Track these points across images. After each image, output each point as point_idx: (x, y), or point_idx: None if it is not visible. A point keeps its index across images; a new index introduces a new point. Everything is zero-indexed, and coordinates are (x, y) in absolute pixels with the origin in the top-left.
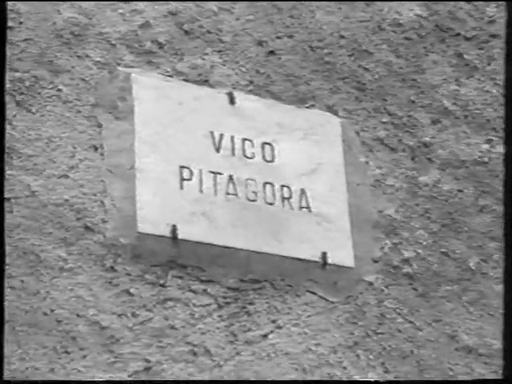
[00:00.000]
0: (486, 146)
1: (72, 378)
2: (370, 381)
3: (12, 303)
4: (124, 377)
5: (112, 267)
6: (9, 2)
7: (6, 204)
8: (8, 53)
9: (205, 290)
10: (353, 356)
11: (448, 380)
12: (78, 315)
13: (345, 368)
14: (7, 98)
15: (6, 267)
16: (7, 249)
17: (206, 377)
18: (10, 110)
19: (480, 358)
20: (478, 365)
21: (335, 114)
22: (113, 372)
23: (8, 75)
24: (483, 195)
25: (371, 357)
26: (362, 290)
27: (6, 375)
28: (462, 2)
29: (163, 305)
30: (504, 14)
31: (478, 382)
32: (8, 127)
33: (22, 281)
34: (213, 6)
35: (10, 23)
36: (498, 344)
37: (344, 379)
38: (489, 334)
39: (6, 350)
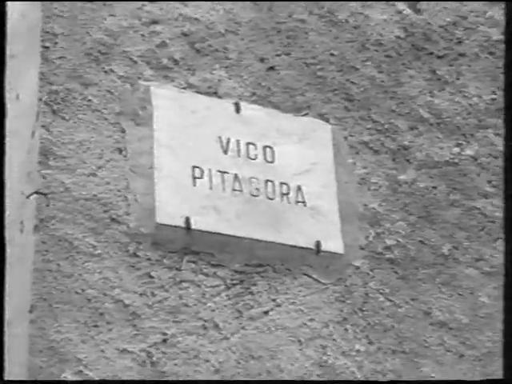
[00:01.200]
0: (456, 149)
1: (103, 348)
2: (371, 381)
3: (50, 284)
4: (144, 347)
5: (134, 253)
6: (45, 25)
7: (44, 199)
8: (45, 69)
9: (214, 273)
10: (342, 330)
11: (448, 380)
12: (105, 294)
13: (335, 340)
14: (44, 108)
15: (44, 253)
16: (45, 237)
17: (214, 348)
18: (47, 117)
19: (450, 331)
20: (448, 337)
21: (327, 121)
22: (135, 343)
23: (45, 88)
24: (454, 191)
25: (357, 330)
26: (350, 273)
27: (44, 345)
28: (435, 25)
29: (178, 286)
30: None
31: (478, 382)
32: (45, 132)
33: (58, 264)
34: (221, 28)
35: (46, 43)
36: (465, 319)
37: (334, 349)
38: (458, 310)
39: (45, 324)
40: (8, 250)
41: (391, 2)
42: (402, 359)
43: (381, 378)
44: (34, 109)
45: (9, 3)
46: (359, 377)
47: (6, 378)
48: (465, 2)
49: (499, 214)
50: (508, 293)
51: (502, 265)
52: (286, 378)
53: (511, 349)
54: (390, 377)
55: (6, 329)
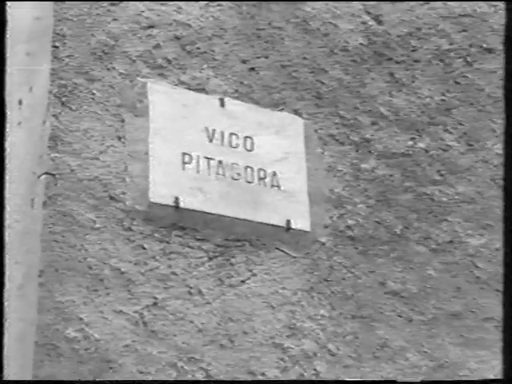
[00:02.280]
0: (410, 142)
1: (101, 309)
2: (373, 381)
3: (56, 253)
4: (137, 309)
5: (129, 227)
6: (56, 28)
7: (52, 178)
8: (55, 66)
9: (199, 246)
10: (309, 297)
11: (448, 380)
12: (103, 263)
13: (302, 306)
14: (54, 100)
15: (51, 226)
16: (53, 212)
17: (198, 311)
18: (56, 108)
19: (402, 299)
20: (400, 304)
21: (299, 116)
22: (129, 306)
23: (55, 82)
24: (407, 179)
25: (322, 298)
26: (316, 248)
27: (51, 306)
28: (394, 35)
29: (168, 256)
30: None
31: (478, 382)
32: (54, 121)
33: (63, 236)
34: (209, 33)
35: (57, 43)
36: (415, 289)
37: (302, 314)
38: (409, 281)
39: (52, 288)
40: (20, 222)
41: (357, 14)
42: (360, 323)
43: (341, 341)
44: (45, 100)
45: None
46: (322, 338)
47: (5, 379)
48: (420, 16)
49: (445, 198)
50: (507, 291)
51: (447, 243)
52: (260, 338)
53: (511, 348)
54: (349, 339)
55: (17, 292)
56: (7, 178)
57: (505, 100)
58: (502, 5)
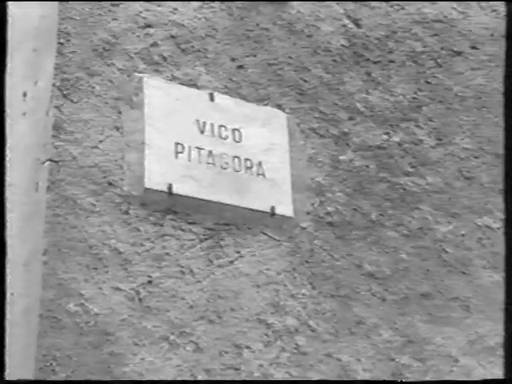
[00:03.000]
0: (385, 136)
1: (100, 286)
2: (372, 381)
3: (58, 233)
4: (133, 287)
5: (126, 211)
6: (60, 26)
7: (55, 165)
8: (59, 61)
9: (190, 229)
10: (292, 277)
11: (448, 380)
12: (103, 243)
13: (285, 285)
14: (57, 92)
15: (54, 209)
16: (55, 196)
17: (189, 289)
18: (59, 100)
19: (376, 280)
20: (375, 285)
21: (283, 110)
22: (126, 283)
23: (59, 76)
24: (382, 170)
25: (303, 278)
26: (298, 233)
27: (53, 282)
28: (372, 37)
29: (162, 238)
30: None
31: (478, 382)
32: (57, 112)
33: (65, 218)
34: (202, 33)
35: (61, 40)
36: (388, 271)
37: (284, 293)
38: (383, 264)
39: (55, 266)
40: (26, 205)
41: (338, 18)
42: (337, 302)
43: (320, 318)
44: (49, 92)
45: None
46: (303, 315)
47: (6, 379)
48: (396, 20)
49: (416, 188)
50: (508, 290)
51: (417, 229)
52: (246, 315)
53: (511, 348)
54: (328, 316)
55: (23, 270)
56: (14, 164)
57: (505, 100)
58: (470, 11)
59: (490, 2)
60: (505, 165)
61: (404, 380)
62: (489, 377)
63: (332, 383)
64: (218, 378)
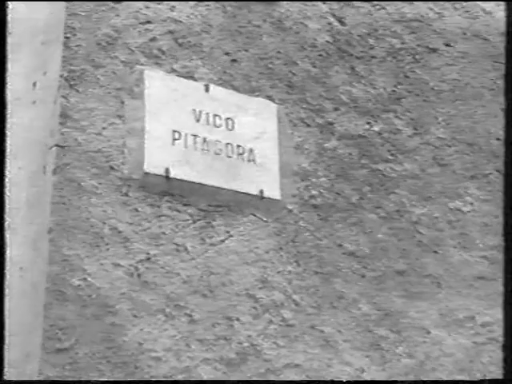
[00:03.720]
0: (366, 126)
1: (102, 262)
2: (373, 381)
3: (63, 213)
4: (132, 263)
5: (126, 193)
6: (67, 21)
7: (61, 150)
8: (66, 53)
9: (185, 211)
10: (278, 255)
11: (448, 380)
12: (104, 223)
13: (273, 263)
14: (64, 83)
15: (60, 190)
16: (61, 179)
17: (184, 265)
18: (66, 90)
19: (356, 258)
20: (355, 263)
21: (273, 101)
22: (126, 260)
23: (66, 68)
24: (363, 157)
25: (289, 256)
26: (285, 214)
27: (59, 258)
28: (355, 34)
29: (158, 218)
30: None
31: (478, 382)
32: (64, 101)
33: (70, 199)
34: (198, 29)
35: (68, 35)
36: (367, 250)
37: (272, 269)
38: (362, 243)
39: (60, 243)
40: (34, 186)
41: (324, 16)
42: (320, 278)
43: (304, 293)
44: (56, 83)
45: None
46: (289, 290)
47: (6, 379)
48: (377, 19)
49: (394, 174)
50: (507, 293)
51: (394, 212)
52: (236, 289)
53: (511, 349)
54: (311, 291)
55: (31, 246)
56: (24, 149)
57: (505, 100)
58: (445, 12)
59: (464, 3)
60: (505, 165)
61: (404, 380)
62: (456, 347)
63: (332, 383)
64: (211, 347)
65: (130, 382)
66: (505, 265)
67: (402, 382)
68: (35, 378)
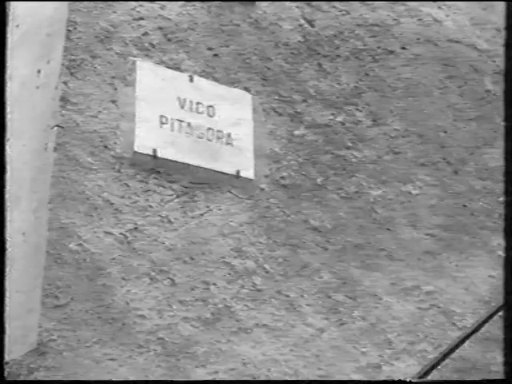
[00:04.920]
0: (331, 117)
1: (95, 230)
2: (372, 381)
3: (62, 186)
4: (122, 232)
5: (118, 170)
6: (70, 16)
7: (61, 130)
8: (68, 45)
9: (170, 187)
10: (251, 229)
11: (448, 380)
12: (98, 196)
13: (246, 235)
14: (65, 70)
15: (59, 166)
16: (61, 156)
17: (168, 235)
18: (66, 77)
19: (320, 233)
20: (318, 237)
21: (249, 92)
22: (117, 229)
23: (67, 57)
24: (328, 144)
25: (261, 229)
26: (258, 192)
27: (57, 226)
28: (323, 35)
29: (146, 193)
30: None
31: (478, 382)
32: (64, 86)
33: (68, 174)
34: (185, 26)
35: (70, 28)
36: (330, 226)
37: (245, 241)
38: (325, 220)
39: (58, 212)
40: (37, 162)
41: (296, 18)
42: (288, 249)
43: (273, 262)
44: (58, 70)
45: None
46: (260, 259)
47: (6, 379)
48: (343, 23)
49: (355, 160)
50: (507, 293)
51: (354, 193)
52: (213, 258)
53: (511, 348)
54: (280, 261)
55: (32, 215)
56: (28, 128)
57: (505, 100)
58: (402, 19)
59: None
60: (506, 166)
61: (406, 380)
62: (404, 312)
63: (332, 383)
64: (189, 307)
65: (131, 382)
66: (505, 265)
67: (401, 381)
68: (35, 329)
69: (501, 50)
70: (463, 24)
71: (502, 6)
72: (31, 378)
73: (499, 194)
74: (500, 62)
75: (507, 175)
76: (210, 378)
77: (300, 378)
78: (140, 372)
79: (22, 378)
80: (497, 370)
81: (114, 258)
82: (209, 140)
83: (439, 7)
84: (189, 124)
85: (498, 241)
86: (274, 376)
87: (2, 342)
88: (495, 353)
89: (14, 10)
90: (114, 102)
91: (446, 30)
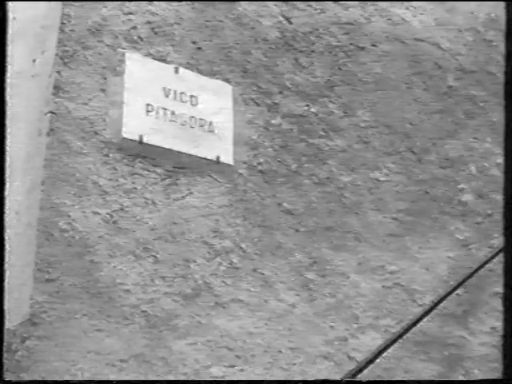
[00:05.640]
0: (305, 108)
1: (84, 210)
2: (371, 381)
3: (54, 168)
4: (109, 212)
5: (107, 154)
6: (64, 10)
7: (54, 116)
8: (61, 36)
9: (154, 171)
10: (229, 211)
11: (448, 380)
12: (87, 177)
13: (224, 217)
14: (58, 60)
15: (52, 149)
16: (53, 139)
17: (152, 215)
18: (59, 66)
19: (293, 216)
20: (291, 219)
21: (230, 83)
22: (103, 209)
23: (60, 48)
24: (302, 133)
25: (238, 211)
26: (236, 177)
27: (48, 205)
28: (300, 32)
29: (132, 176)
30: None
31: (479, 382)
32: (58, 75)
33: (60, 157)
34: (171, 20)
35: (64, 21)
36: (302, 209)
37: (223, 222)
38: (298, 203)
39: (49, 193)
40: (31, 146)
41: (275, 15)
42: (263, 230)
43: (249, 242)
44: (52, 60)
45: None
46: (237, 239)
47: (5, 379)
48: (318, 21)
49: (327, 148)
50: (507, 292)
51: (325, 179)
52: (194, 237)
53: (511, 348)
54: (255, 241)
55: (26, 195)
56: (23, 114)
57: (505, 100)
58: (372, 18)
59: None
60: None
61: (407, 379)
62: (369, 290)
63: (332, 383)
64: (171, 283)
65: (131, 381)
66: (505, 265)
67: (401, 381)
68: (28, 302)
69: (463, 50)
70: (429, 24)
71: (464, 8)
72: (24, 346)
73: (458, 181)
74: (462, 60)
75: (507, 175)
76: (189, 348)
77: (275, 352)
78: (125, 342)
79: (14, 347)
80: (452, 343)
81: (101, 237)
82: (191, 127)
83: (407, 8)
84: (173, 112)
85: (456, 225)
86: (249, 347)
87: (2, 343)
88: (451, 327)
89: (12, 4)
90: (103, 90)
91: (413, 29)
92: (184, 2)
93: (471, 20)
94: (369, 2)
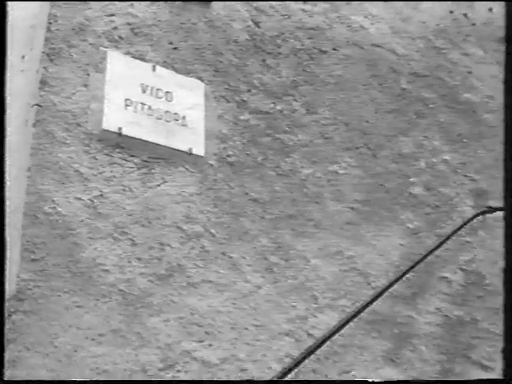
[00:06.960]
0: (272, 105)
1: (67, 196)
2: (376, 381)
3: (39, 157)
4: (90, 198)
5: (88, 144)
6: (51, 11)
7: (40, 108)
8: (48, 35)
9: (132, 160)
10: (200, 198)
11: (448, 380)
12: (70, 166)
13: (196, 204)
14: (45, 57)
15: (37, 139)
16: (39, 130)
17: (129, 202)
18: (46, 63)
19: (259, 204)
20: (257, 208)
21: (203, 81)
22: (85, 195)
23: (47, 46)
24: (269, 129)
25: (209, 199)
26: (207, 168)
27: (34, 191)
28: (267, 35)
29: (111, 165)
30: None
31: (479, 381)
32: (44, 71)
33: (45, 147)
34: (150, 22)
35: (51, 21)
36: (267, 198)
37: (195, 208)
38: (264, 193)
39: (35, 179)
40: (18, 136)
41: (245, 20)
42: (231, 217)
43: (219, 227)
44: (39, 57)
45: None
46: (207, 225)
47: (5, 379)
48: (284, 25)
49: (291, 142)
50: (508, 293)
51: (289, 171)
52: (168, 222)
53: (511, 348)
54: (224, 226)
55: (13, 181)
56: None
57: (505, 100)
58: (334, 24)
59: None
60: (505, 166)
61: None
62: (328, 273)
63: (332, 383)
64: (147, 264)
65: (130, 381)
66: (505, 266)
67: (401, 381)
68: (14, 279)
69: (415, 55)
70: (385, 32)
71: (418, 18)
72: (10, 320)
73: (409, 175)
74: (414, 65)
75: (507, 175)
76: (162, 324)
77: (241, 328)
78: (103, 318)
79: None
80: (402, 322)
81: (82, 220)
82: (166, 121)
83: (365, 16)
84: (150, 107)
85: (407, 215)
86: (217, 324)
87: (2, 344)
88: (401, 307)
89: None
90: (86, 85)
91: (371, 36)
92: (162, 6)
93: (423, 29)
94: (331, 10)
